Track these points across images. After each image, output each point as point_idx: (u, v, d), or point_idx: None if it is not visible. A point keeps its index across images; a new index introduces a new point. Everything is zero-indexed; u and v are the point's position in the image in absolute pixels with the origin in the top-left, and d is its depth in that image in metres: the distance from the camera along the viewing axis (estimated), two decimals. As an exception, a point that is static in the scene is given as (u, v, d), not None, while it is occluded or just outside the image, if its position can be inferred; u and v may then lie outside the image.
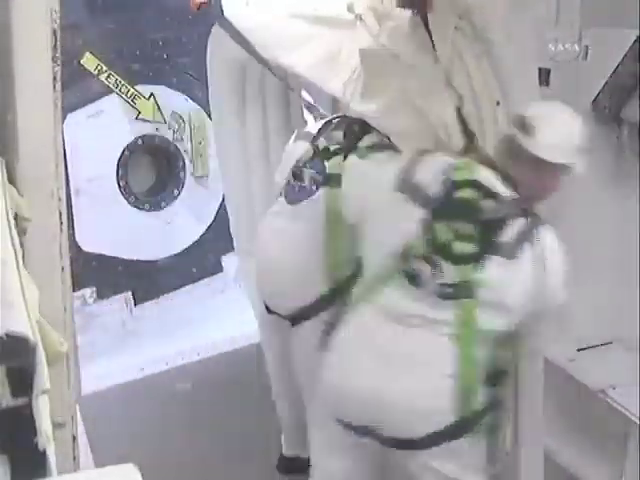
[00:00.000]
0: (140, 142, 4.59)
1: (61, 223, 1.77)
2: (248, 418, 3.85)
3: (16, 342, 1.21)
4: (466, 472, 2.25)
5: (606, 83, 3.17)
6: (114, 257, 4.51)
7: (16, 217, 1.57)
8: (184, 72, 4.67)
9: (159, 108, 4.60)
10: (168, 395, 4.18)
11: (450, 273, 2.11)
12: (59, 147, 1.78)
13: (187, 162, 4.78)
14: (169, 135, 4.70)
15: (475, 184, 2.19)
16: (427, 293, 2.13)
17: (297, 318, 2.92)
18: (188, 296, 4.81)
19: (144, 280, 4.66)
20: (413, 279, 2.15)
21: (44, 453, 1.22)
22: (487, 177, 2.22)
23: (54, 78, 1.71)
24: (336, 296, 2.75)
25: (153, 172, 4.85)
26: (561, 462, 3.17)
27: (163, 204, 4.74)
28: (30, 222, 1.64)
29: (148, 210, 4.67)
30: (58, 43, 1.71)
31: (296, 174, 2.89)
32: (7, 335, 1.20)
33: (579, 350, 3.26)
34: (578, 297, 3.31)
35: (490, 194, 2.18)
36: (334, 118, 3.03)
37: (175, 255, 4.77)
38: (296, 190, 2.89)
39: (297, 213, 2.88)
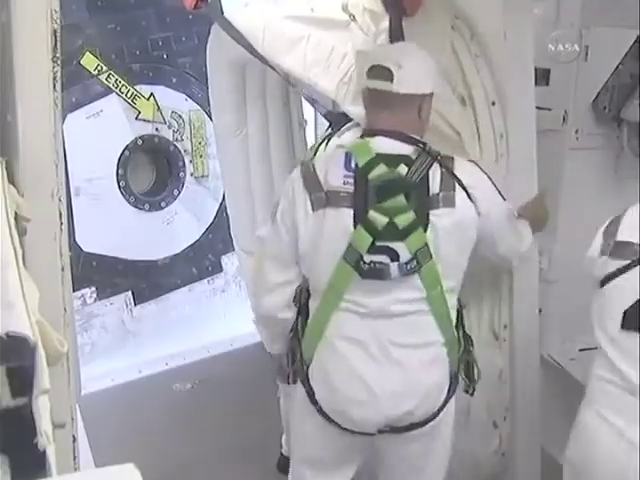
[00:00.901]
0: (140, 142, 4.59)
1: (61, 223, 1.77)
2: (248, 418, 3.85)
3: (16, 342, 1.21)
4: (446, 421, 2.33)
5: (606, 83, 3.17)
6: (114, 257, 4.51)
7: (16, 217, 1.57)
8: (184, 72, 4.67)
9: (159, 108, 4.60)
10: (168, 395, 4.19)
11: (404, 250, 2.14)
12: (59, 147, 1.78)
13: (187, 162, 4.79)
14: (169, 135, 4.70)
15: (378, 158, 2.17)
16: (393, 282, 2.15)
17: None
18: (188, 296, 4.81)
19: (144, 280, 4.67)
20: (374, 274, 2.15)
21: (44, 453, 1.22)
22: (383, 145, 2.20)
23: (54, 78, 1.71)
24: None
25: (153, 172, 4.85)
26: (560, 462, 3.17)
27: (163, 204, 4.74)
28: (30, 222, 1.63)
29: (148, 210, 4.67)
30: (58, 43, 1.70)
31: None
32: (7, 335, 1.20)
33: (580, 350, 3.26)
34: (578, 297, 3.32)
35: (395, 159, 2.17)
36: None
37: (175, 255, 4.77)
38: None
39: None
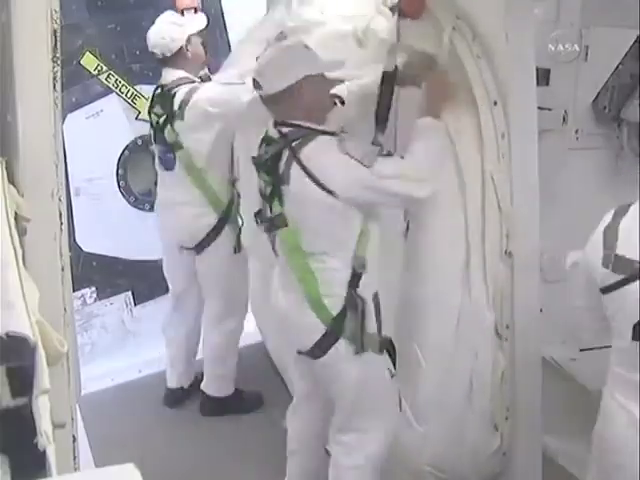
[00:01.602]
0: (140, 142, 4.58)
1: (61, 223, 1.77)
2: (247, 418, 3.85)
3: (16, 342, 1.21)
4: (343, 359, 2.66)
5: (606, 83, 3.17)
6: (114, 257, 4.51)
7: (16, 217, 1.57)
8: (184, 72, 4.66)
9: (159, 108, 4.60)
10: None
11: (267, 210, 2.65)
12: (59, 147, 1.79)
13: (187, 162, 4.78)
14: (169, 135, 4.69)
15: (265, 139, 2.67)
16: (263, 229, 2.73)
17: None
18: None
19: (144, 280, 4.66)
20: (258, 218, 2.75)
21: (44, 453, 1.22)
22: (271, 130, 2.65)
23: (54, 78, 1.71)
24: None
25: (153, 172, 4.84)
26: (561, 462, 3.16)
27: (163, 204, 4.74)
28: (30, 222, 1.63)
29: (148, 210, 4.66)
30: (58, 43, 1.71)
31: None
32: (7, 335, 1.20)
33: (581, 350, 3.26)
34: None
35: (271, 140, 2.64)
36: None
37: (175, 255, 4.76)
38: None
39: None
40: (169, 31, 3.69)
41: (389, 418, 2.78)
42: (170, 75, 3.71)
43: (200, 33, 3.79)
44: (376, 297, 2.65)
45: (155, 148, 3.80)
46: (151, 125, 3.77)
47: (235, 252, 3.82)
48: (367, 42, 2.91)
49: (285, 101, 2.58)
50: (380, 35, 2.89)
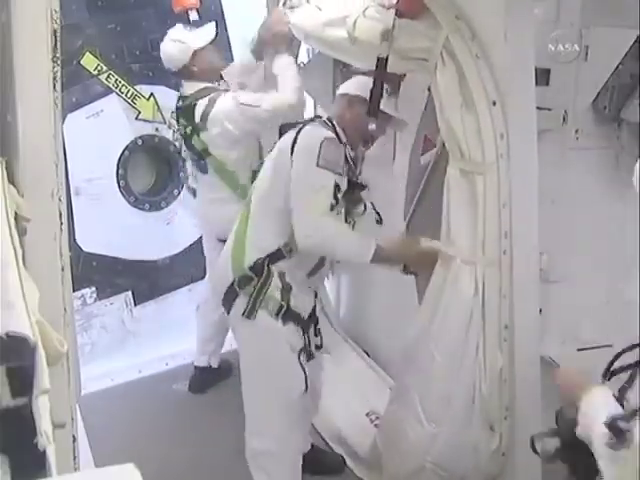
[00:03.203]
0: (140, 142, 4.59)
1: (61, 223, 1.77)
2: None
3: (16, 342, 1.21)
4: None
5: (606, 83, 3.17)
6: (114, 257, 4.51)
7: (16, 217, 1.57)
8: (184, 72, 4.67)
9: (159, 108, 4.60)
10: (168, 395, 4.18)
11: None
12: (59, 147, 1.79)
13: (187, 162, 4.79)
14: (169, 135, 4.70)
15: None
16: None
17: None
18: (188, 296, 4.81)
19: (144, 280, 4.66)
20: None
21: (44, 453, 1.22)
22: None
23: (54, 78, 1.71)
24: None
25: (153, 172, 4.85)
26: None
27: (163, 204, 4.74)
28: (30, 222, 1.63)
29: (148, 210, 4.67)
30: (58, 43, 1.71)
31: None
32: (7, 335, 1.20)
33: (579, 350, 3.26)
34: (578, 298, 3.32)
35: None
36: None
37: (175, 255, 4.76)
38: None
39: None
40: (172, 49, 3.84)
41: (288, 393, 2.91)
42: (189, 87, 3.83)
43: (210, 44, 3.86)
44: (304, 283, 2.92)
45: (187, 154, 3.97)
46: (180, 134, 3.90)
47: None
48: (359, 39, 2.88)
49: None
50: (371, 32, 2.86)
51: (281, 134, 3.02)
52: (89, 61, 4.30)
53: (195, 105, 3.72)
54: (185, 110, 3.80)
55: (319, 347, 3.07)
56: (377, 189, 3.17)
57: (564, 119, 3.24)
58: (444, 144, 2.74)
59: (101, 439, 3.11)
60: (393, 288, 3.68)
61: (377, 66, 2.74)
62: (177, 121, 3.90)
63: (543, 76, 3.09)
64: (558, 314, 3.22)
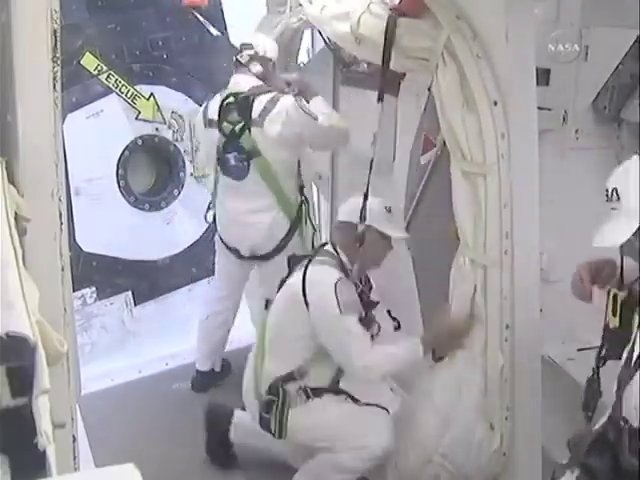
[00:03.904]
0: (140, 142, 4.59)
1: (61, 223, 1.77)
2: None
3: (16, 342, 1.21)
4: None
5: (606, 83, 3.17)
6: (114, 257, 4.51)
7: (16, 217, 1.57)
8: (184, 72, 4.67)
9: (159, 108, 4.60)
10: (168, 395, 4.18)
11: None
12: (59, 147, 1.79)
13: (187, 162, 4.79)
14: (169, 135, 4.70)
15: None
16: None
17: None
18: (188, 296, 4.81)
19: (144, 280, 4.66)
20: None
21: (44, 453, 1.22)
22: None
23: (54, 78, 1.71)
24: None
25: (153, 172, 4.85)
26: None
27: (163, 204, 4.74)
28: (30, 222, 1.63)
29: (148, 210, 4.67)
30: (58, 43, 1.71)
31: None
32: (7, 335, 1.20)
33: (579, 350, 3.26)
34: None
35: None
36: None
37: (175, 255, 4.77)
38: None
39: None
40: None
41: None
42: (241, 83, 3.75)
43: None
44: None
45: (225, 157, 3.77)
46: (223, 134, 3.75)
47: None
48: (364, 36, 2.89)
49: None
50: (376, 30, 2.86)
51: (289, 265, 3.14)
52: (89, 61, 4.30)
53: (254, 101, 3.65)
54: (239, 105, 3.70)
55: None
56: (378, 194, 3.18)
57: (564, 119, 3.24)
58: (444, 144, 2.74)
59: (101, 439, 3.11)
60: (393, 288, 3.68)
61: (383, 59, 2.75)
62: (219, 118, 3.74)
63: (543, 76, 3.09)
64: (558, 314, 3.22)
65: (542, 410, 2.76)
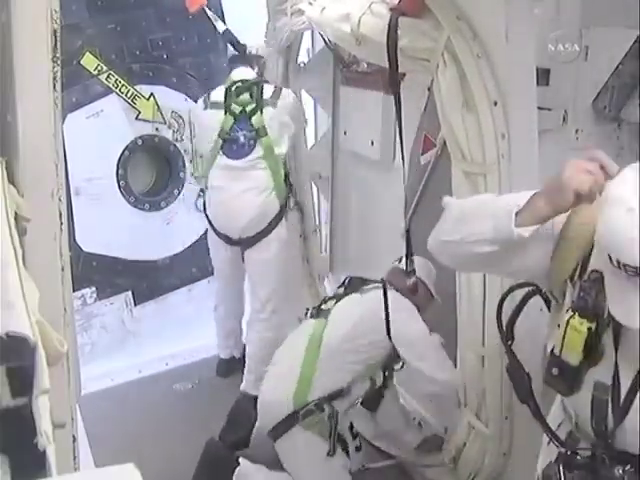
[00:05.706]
0: (140, 142, 4.60)
1: (61, 223, 1.77)
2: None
3: (16, 342, 1.21)
4: None
5: (606, 83, 3.17)
6: (114, 257, 4.52)
7: (16, 217, 1.56)
8: (184, 72, 4.67)
9: (159, 108, 4.61)
10: (168, 395, 4.19)
11: None
12: (59, 147, 1.78)
13: (187, 162, 4.79)
14: (169, 135, 4.70)
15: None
16: None
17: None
18: (188, 296, 4.82)
19: (144, 280, 4.67)
20: None
21: (44, 453, 1.22)
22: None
23: (54, 78, 1.71)
24: None
25: (153, 172, 4.85)
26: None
27: (163, 204, 4.75)
28: (30, 222, 1.63)
29: (148, 210, 4.68)
30: (58, 43, 1.70)
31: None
32: (7, 335, 1.20)
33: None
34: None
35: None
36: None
37: (175, 255, 4.77)
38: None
39: None
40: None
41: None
42: (246, 72, 4.09)
43: None
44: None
45: (231, 136, 3.97)
46: (232, 114, 3.97)
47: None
48: (364, 36, 2.89)
49: None
50: (376, 29, 2.86)
51: (346, 283, 3.29)
52: (89, 61, 4.31)
53: (263, 85, 4.00)
54: (250, 87, 3.99)
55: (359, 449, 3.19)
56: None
57: (564, 119, 3.23)
58: (444, 144, 2.74)
59: (101, 439, 3.10)
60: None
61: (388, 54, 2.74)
62: (225, 99, 3.98)
63: (543, 76, 3.08)
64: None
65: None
